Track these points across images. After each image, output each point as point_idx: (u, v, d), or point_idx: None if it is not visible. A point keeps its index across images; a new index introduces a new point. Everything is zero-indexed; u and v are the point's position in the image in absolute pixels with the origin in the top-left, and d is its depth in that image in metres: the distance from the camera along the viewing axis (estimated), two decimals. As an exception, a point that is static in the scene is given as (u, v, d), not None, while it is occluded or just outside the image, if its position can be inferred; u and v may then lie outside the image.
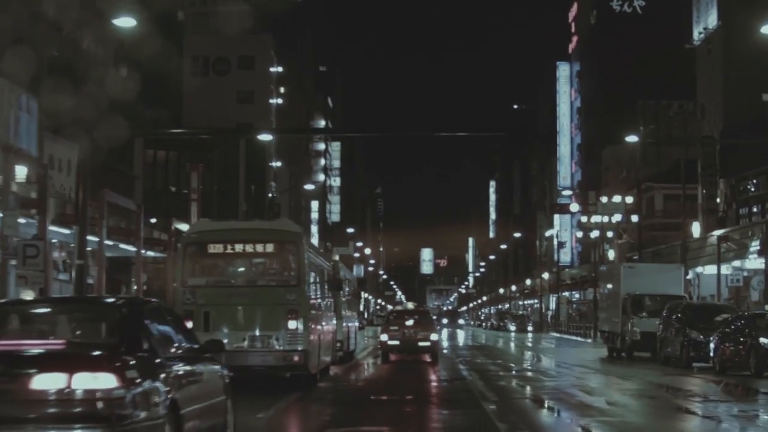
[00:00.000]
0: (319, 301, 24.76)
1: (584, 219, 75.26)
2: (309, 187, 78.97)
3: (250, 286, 21.90)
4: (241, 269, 22.43)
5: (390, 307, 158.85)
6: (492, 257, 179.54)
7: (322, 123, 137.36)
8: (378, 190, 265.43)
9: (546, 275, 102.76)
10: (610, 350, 41.63)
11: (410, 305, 68.90)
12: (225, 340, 20.93)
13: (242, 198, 73.08)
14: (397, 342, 34.30)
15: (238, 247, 21.83)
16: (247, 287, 21.81)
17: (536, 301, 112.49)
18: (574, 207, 65.35)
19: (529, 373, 29.86)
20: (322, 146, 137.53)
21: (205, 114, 72.76)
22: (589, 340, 63.73)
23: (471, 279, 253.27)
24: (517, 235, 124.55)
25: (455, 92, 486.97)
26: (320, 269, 25.95)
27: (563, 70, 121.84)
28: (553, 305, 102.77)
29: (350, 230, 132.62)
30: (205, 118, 71.12)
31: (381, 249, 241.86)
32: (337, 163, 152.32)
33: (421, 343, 34.14)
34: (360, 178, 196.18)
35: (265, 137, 49.63)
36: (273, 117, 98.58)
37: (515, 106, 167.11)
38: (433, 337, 34.58)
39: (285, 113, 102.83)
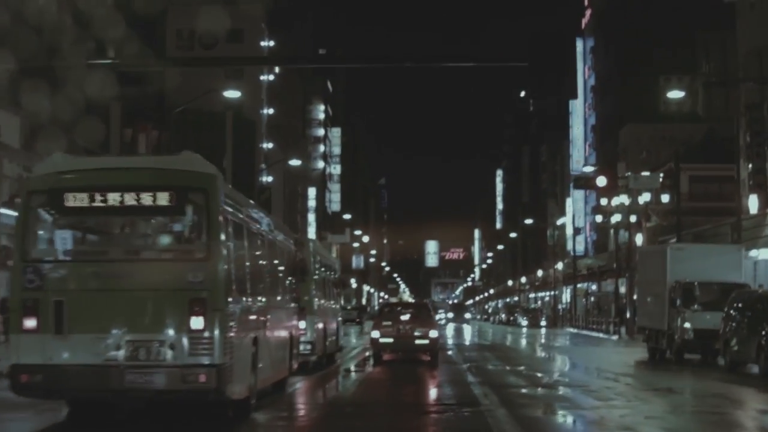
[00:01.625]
0: (258, 286, 16.51)
1: (603, 202, 67.66)
2: (295, 162, 71.19)
3: (132, 260, 13.79)
4: (118, 234, 14.34)
5: (395, 300, 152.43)
6: (500, 247, 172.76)
7: (321, 107, 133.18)
8: (382, 181, 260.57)
9: (560, 265, 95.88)
10: (651, 351, 34.38)
11: (406, 297, 62.05)
12: (91, 348, 13.11)
13: (228, 179, 65.85)
14: (390, 339, 29.82)
15: (113, 198, 13.46)
16: (125, 262, 13.68)
17: (548, 293, 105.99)
18: (601, 180, 57.47)
19: (567, 391, 20.69)
20: (321, 132, 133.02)
21: (190, 91, 66.39)
22: (614, 337, 56.40)
23: (477, 271, 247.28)
24: (529, 221, 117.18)
25: (463, 77, 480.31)
26: (266, 241, 17.84)
27: (576, 46, 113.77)
28: (567, 298, 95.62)
29: (347, 216, 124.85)
30: (190, 95, 65.17)
31: (385, 241, 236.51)
32: (337, 150, 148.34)
33: (418, 341, 29.54)
34: (363, 168, 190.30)
35: (234, 94, 42.49)
36: (264, 95, 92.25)
37: (522, 94, 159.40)
38: (432, 333, 29.51)
39: (279, 93, 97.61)
